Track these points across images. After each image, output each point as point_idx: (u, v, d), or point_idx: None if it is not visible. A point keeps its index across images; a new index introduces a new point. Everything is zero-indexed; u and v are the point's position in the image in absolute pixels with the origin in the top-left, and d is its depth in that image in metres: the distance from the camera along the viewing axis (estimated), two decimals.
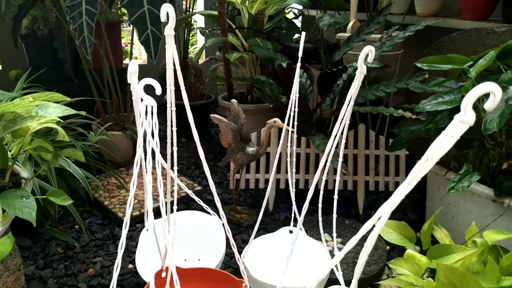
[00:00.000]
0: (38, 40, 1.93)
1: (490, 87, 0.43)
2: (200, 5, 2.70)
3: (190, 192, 0.96)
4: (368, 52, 0.70)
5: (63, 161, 1.16)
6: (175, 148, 0.74)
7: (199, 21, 2.88)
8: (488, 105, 0.45)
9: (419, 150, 1.58)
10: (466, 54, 1.23)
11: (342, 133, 0.81)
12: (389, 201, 0.52)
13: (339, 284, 0.92)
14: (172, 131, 0.73)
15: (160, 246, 0.94)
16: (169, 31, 0.64)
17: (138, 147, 0.70)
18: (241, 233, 1.39)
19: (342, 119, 0.78)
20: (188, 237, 1.19)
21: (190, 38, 3.43)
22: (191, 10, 2.21)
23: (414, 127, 1.31)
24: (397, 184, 1.54)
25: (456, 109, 1.22)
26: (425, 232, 0.90)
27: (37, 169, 1.14)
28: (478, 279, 0.69)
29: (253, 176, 1.54)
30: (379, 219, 0.53)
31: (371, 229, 0.55)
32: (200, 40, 3.23)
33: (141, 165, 0.75)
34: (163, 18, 0.63)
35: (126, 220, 0.69)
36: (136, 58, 3.23)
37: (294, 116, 0.99)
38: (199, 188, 1.60)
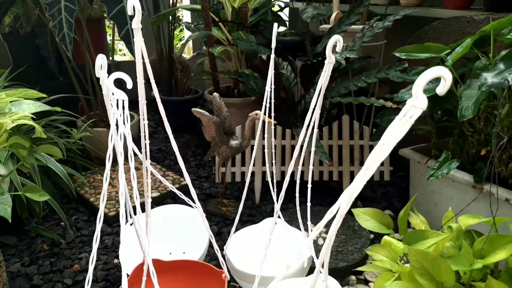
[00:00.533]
0: (20, 38, 1.92)
1: (439, 71, 0.44)
2: (187, 0, 2.70)
3: (167, 183, 0.97)
4: (336, 41, 0.70)
5: (43, 158, 1.16)
6: (147, 142, 0.75)
7: (185, 16, 2.87)
8: (440, 89, 0.46)
9: (401, 139, 1.59)
10: (447, 43, 1.24)
11: (314, 123, 0.82)
12: (350, 187, 0.53)
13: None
14: (144, 124, 0.73)
15: (140, 240, 0.94)
16: (135, 24, 0.64)
17: (110, 141, 0.70)
18: (227, 225, 1.40)
19: (314, 108, 0.79)
20: (173, 231, 1.20)
21: (178, 33, 3.42)
22: (178, 5, 2.20)
23: (395, 116, 1.31)
24: (381, 174, 1.55)
25: (434, 98, 1.23)
26: (401, 218, 0.91)
27: (20, 167, 1.15)
28: (449, 263, 0.71)
29: (238, 170, 1.55)
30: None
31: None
32: (187, 35, 3.23)
33: (126, 161, 0.75)
34: (129, 12, 0.64)
35: (100, 214, 0.69)
36: (124, 54, 3.22)
37: (270, 107, 0.99)
38: (185, 182, 1.61)
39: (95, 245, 0.70)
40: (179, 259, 0.99)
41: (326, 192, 1.60)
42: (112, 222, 1.37)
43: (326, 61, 0.74)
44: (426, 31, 1.56)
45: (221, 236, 1.32)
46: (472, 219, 0.84)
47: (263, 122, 1.10)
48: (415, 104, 0.46)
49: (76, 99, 1.69)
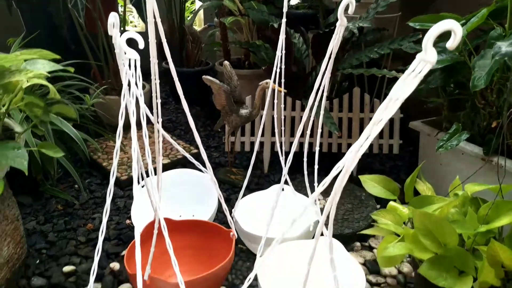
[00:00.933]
0: (33, 6, 1.92)
1: (450, 24, 0.44)
2: None
3: (178, 146, 0.99)
4: (348, 3, 0.70)
5: (58, 120, 1.19)
6: (159, 101, 0.76)
7: None
8: (449, 44, 0.46)
9: (413, 112, 1.58)
10: (462, 14, 1.21)
11: (323, 89, 0.82)
12: (355, 145, 0.53)
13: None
14: (155, 84, 0.75)
15: (152, 200, 0.97)
16: None
17: (123, 99, 0.72)
18: (236, 193, 1.42)
19: (324, 74, 0.79)
20: (183, 195, 1.23)
21: (189, 5, 3.39)
22: None
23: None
24: (391, 147, 1.56)
25: (447, 69, 1.22)
26: (408, 185, 0.92)
27: (35, 130, 1.18)
28: (452, 225, 0.72)
29: (248, 139, 1.56)
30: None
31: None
32: (198, 7, 3.19)
33: (139, 127, 0.77)
34: None
35: (113, 169, 0.72)
36: (135, 26, 3.21)
37: (281, 74, 0.99)
38: (195, 151, 1.63)
39: (109, 199, 0.72)
40: (189, 219, 1.02)
41: (335, 163, 1.61)
42: (124, 186, 1.40)
43: (337, 24, 0.74)
44: (441, 3, 1.53)
45: (229, 202, 1.35)
46: (478, 186, 0.85)
47: (273, 91, 1.11)
48: (425, 58, 0.46)
49: (88, 67, 1.70)
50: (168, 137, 0.97)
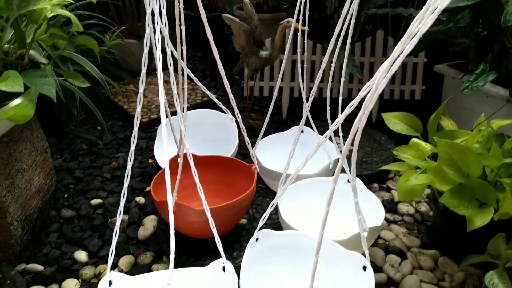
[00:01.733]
0: None
1: None
2: None
3: (200, 83, 0.99)
4: None
5: (81, 59, 1.19)
6: (183, 27, 0.75)
7: None
8: None
9: (438, 57, 1.53)
10: None
11: (347, 30, 0.79)
12: (379, 70, 0.52)
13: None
14: (180, 9, 0.73)
15: (175, 135, 0.99)
16: None
17: (147, 25, 0.71)
18: (254, 136, 1.43)
19: (347, 13, 0.76)
20: (204, 134, 1.25)
21: None
22: None
23: (434, 27, 1.26)
24: (412, 93, 1.53)
25: (476, 7, 1.16)
26: (431, 121, 0.91)
27: (58, 70, 1.19)
28: (476, 155, 0.71)
29: (267, 84, 1.55)
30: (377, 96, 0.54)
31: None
32: None
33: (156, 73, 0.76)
34: None
35: (137, 116, 0.71)
36: None
37: (304, 12, 0.96)
38: (215, 96, 1.63)
39: (133, 144, 0.72)
40: (212, 155, 1.04)
41: (354, 110, 1.60)
42: (145, 128, 1.43)
43: None
44: None
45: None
46: (504, 121, 0.83)
47: (295, 31, 1.08)
48: None
49: (104, 8, 1.68)
50: (192, 75, 0.97)
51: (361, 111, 0.55)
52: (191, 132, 1.22)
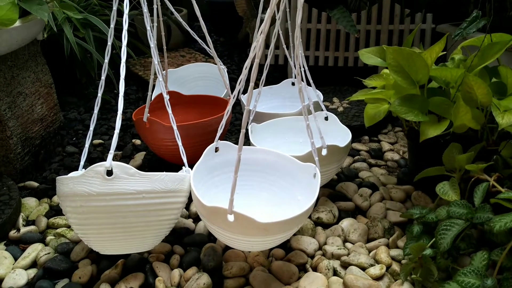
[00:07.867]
0: None
1: None
2: None
3: (196, 36, 1.06)
4: None
5: (102, 24, 1.32)
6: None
7: None
8: None
9: (441, 17, 1.49)
10: None
11: None
12: None
13: None
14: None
15: (160, 79, 1.07)
16: None
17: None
18: None
19: None
20: (200, 87, 1.32)
21: None
22: None
23: None
24: None
25: None
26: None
27: (77, 33, 1.33)
28: (424, 60, 0.72)
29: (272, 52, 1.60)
30: None
31: None
32: None
33: None
34: None
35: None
36: None
37: None
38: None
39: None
40: (196, 94, 1.11)
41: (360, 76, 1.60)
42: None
43: None
44: None
45: None
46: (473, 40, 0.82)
47: None
48: None
49: None
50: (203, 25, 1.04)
51: None
52: (191, 85, 1.31)
